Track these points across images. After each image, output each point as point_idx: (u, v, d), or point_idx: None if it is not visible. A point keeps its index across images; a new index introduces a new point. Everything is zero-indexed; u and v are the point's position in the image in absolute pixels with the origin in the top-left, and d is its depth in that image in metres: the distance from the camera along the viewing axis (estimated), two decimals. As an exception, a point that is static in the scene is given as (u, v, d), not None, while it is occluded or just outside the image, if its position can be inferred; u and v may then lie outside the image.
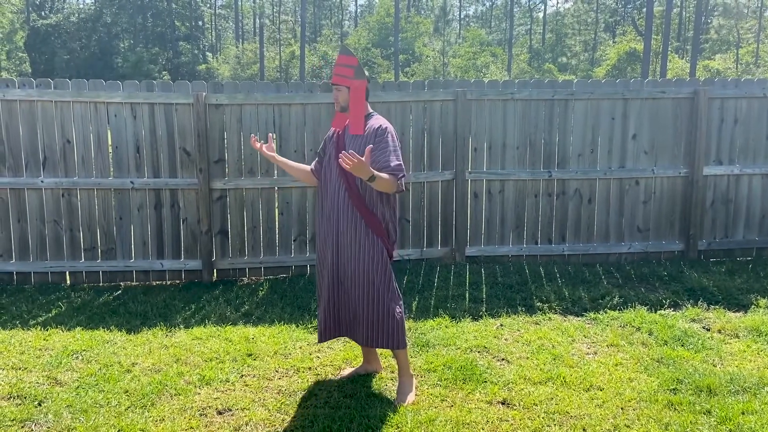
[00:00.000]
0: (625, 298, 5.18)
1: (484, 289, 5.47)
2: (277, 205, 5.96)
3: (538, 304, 5.10)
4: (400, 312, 3.41)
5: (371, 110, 3.48)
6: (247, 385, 3.69)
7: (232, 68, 49.64)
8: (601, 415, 3.29)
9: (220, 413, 3.38)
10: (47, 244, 5.73)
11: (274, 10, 64.23)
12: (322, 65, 46.39)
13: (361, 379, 3.71)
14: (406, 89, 6.04)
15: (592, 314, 4.83)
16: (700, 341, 4.24)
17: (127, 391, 3.59)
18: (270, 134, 3.78)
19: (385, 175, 3.18)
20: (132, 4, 49.24)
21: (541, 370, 3.83)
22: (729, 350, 4.15)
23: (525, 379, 3.71)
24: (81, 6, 55.15)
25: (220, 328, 4.62)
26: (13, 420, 3.28)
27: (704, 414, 3.28)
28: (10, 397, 3.54)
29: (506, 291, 5.42)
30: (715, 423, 3.19)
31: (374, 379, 3.71)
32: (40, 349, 4.24)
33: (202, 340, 4.39)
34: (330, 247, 3.42)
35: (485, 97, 6.03)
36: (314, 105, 5.84)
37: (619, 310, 4.91)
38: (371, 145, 3.18)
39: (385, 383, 3.67)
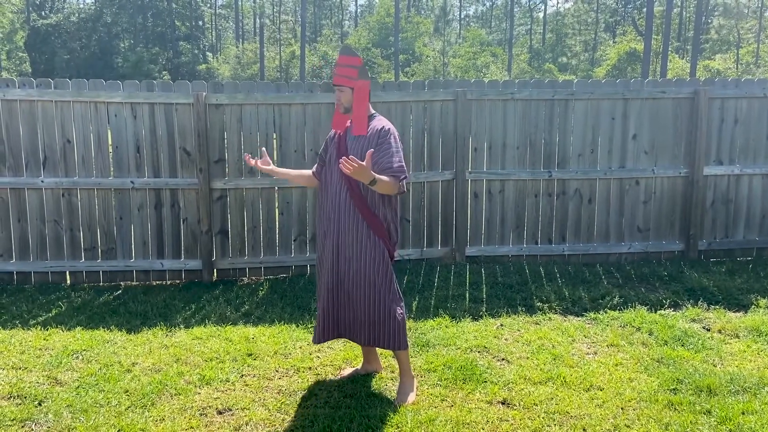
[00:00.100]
0: (626, 298, 5.18)
1: (484, 289, 5.47)
2: (277, 205, 5.96)
3: (538, 304, 5.10)
4: (401, 313, 3.41)
5: (373, 111, 3.47)
6: (247, 385, 3.69)
7: (233, 68, 49.64)
8: (601, 415, 3.29)
9: (220, 413, 3.38)
10: (47, 244, 5.74)
11: (275, 10, 64.27)
12: (322, 65, 46.42)
13: (361, 379, 3.71)
14: (407, 89, 6.04)
15: (592, 314, 4.83)
16: (700, 341, 4.24)
17: (127, 391, 3.60)
18: (262, 148, 3.78)
19: (386, 178, 3.17)
20: (132, 3, 49.25)
21: (541, 370, 3.83)
22: (729, 350, 4.15)
23: (525, 379, 3.71)
24: (81, 6, 55.20)
25: (220, 327, 4.63)
26: (13, 420, 3.28)
27: (704, 414, 3.28)
28: (10, 396, 3.55)
29: (506, 291, 5.42)
30: (715, 423, 3.19)
31: (374, 379, 3.71)
32: (40, 349, 4.24)
33: (202, 339, 4.39)
34: (330, 248, 3.42)
35: (485, 97, 6.03)
36: (314, 105, 5.84)
37: (619, 310, 4.91)
38: (372, 150, 3.16)
39: (385, 383, 3.67)
